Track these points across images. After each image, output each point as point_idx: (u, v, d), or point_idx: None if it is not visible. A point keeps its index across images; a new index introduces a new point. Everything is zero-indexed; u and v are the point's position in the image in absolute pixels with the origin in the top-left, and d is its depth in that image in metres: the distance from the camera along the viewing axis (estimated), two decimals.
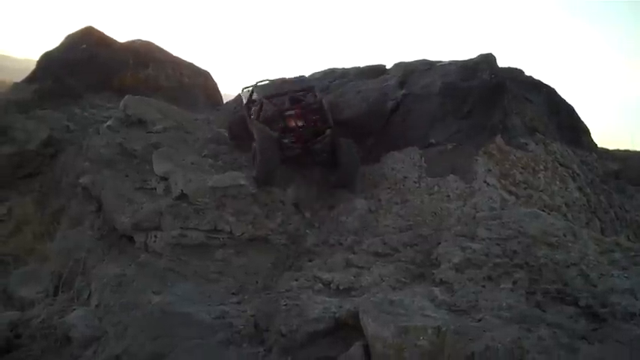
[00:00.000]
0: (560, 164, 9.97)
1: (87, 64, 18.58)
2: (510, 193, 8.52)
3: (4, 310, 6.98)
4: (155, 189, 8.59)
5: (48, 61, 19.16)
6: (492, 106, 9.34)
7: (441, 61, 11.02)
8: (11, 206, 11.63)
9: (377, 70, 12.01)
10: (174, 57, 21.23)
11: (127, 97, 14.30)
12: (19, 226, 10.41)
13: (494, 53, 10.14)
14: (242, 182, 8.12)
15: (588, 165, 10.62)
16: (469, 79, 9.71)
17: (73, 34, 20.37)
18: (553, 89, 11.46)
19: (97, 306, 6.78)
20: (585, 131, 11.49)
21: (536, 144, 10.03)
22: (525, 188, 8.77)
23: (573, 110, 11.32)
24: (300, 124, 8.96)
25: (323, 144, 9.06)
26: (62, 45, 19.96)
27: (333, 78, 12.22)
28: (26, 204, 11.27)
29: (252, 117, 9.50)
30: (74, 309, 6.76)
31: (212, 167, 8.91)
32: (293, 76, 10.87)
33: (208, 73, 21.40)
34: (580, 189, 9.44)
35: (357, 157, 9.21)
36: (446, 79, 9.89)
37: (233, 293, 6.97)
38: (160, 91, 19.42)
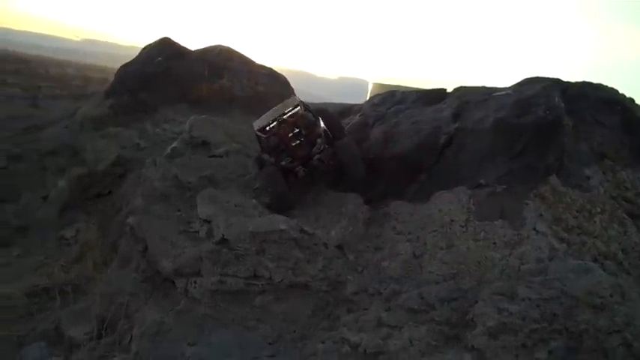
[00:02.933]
0: (625, 199, 9.49)
1: (162, 77, 19.42)
2: (561, 240, 8.20)
3: (52, 351, 7.51)
4: (198, 232, 8.89)
5: (124, 74, 20.16)
6: (547, 145, 8.98)
7: (498, 90, 10.70)
8: (79, 228, 12.44)
9: (437, 96, 11.77)
10: (252, 63, 21.72)
11: (192, 117, 14.79)
12: (82, 251, 11.03)
13: (562, 77, 9.70)
14: (282, 227, 8.23)
15: None
16: (523, 115, 9.37)
17: (149, 45, 21.32)
18: (630, 106, 10.65)
19: (135, 354, 7.04)
20: None
21: (604, 173, 9.58)
22: (579, 234, 8.41)
23: None
24: (293, 143, 9.14)
25: (321, 154, 9.16)
26: (138, 58, 20.93)
27: (392, 103, 12.12)
28: (91, 228, 12.00)
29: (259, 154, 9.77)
30: (114, 355, 7.10)
31: (256, 209, 9.10)
32: (283, 102, 10.77)
33: (286, 80, 21.76)
34: None
35: (357, 152, 9.34)
36: (498, 114, 9.60)
37: (269, 343, 7.19)
38: (235, 102, 20.02)
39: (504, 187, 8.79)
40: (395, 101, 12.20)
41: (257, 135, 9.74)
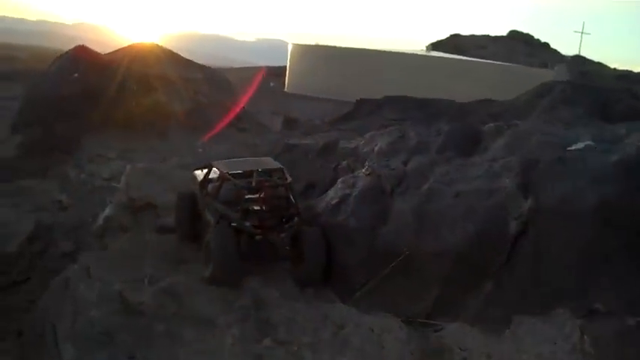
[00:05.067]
0: None
1: (81, 99, 15.39)
2: None
3: None
4: None
5: (34, 99, 15.94)
6: None
7: (570, 136, 7.54)
8: None
9: (468, 133, 8.60)
10: (189, 64, 18.07)
11: (128, 170, 11.32)
12: None
13: None
14: None
15: None
16: None
17: (62, 56, 16.99)
18: None
19: None
20: None
21: None
22: None
23: None
24: (264, 207, 8.22)
25: (287, 233, 8.19)
26: (50, 74, 16.64)
27: (408, 152, 8.77)
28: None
29: (207, 196, 8.71)
30: None
31: None
32: (258, 158, 10.05)
33: (229, 84, 18.30)
34: None
35: (324, 249, 8.14)
36: (602, 189, 6.37)
37: None
38: (173, 119, 16.27)
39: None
40: (411, 148, 8.87)
41: (223, 176, 8.61)
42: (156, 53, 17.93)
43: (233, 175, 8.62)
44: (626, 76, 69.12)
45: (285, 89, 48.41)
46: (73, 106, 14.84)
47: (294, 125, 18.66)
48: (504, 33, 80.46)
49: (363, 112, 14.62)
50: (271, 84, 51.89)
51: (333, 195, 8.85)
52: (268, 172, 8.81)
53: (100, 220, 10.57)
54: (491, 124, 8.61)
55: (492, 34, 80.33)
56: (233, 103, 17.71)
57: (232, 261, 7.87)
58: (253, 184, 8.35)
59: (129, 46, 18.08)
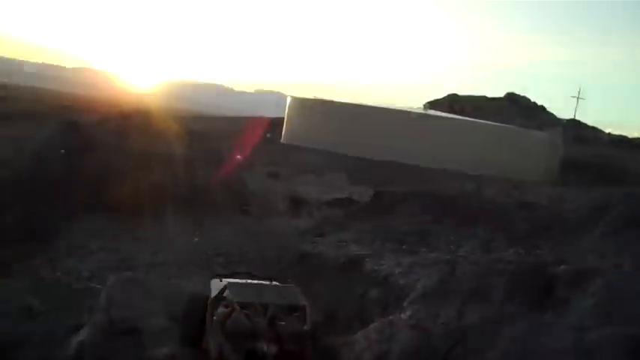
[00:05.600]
0: None
1: (66, 179, 13.72)
2: None
3: None
4: None
5: (10, 175, 14.17)
6: None
7: None
8: None
9: (541, 280, 6.89)
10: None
11: (111, 281, 9.93)
12: None
13: None
14: None
15: None
16: None
17: (49, 129, 15.41)
18: None
19: None
20: None
21: None
22: None
23: None
24: (272, 350, 6.97)
25: None
26: (32, 146, 15.00)
27: (462, 298, 7.04)
28: None
29: (214, 321, 7.50)
30: None
31: None
32: (282, 286, 8.28)
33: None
34: None
35: None
36: None
37: None
38: (169, 202, 14.57)
39: None
40: (466, 290, 7.12)
41: (233, 306, 7.35)
42: (156, 125, 16.41)
43: (246, 305, 7.43)
44: (621, 141, 69.28)
45: (282, 140, 48.44)
46: (55, 186, 13.07)
47: (301, 207, 17.06)
48: (501, 95, 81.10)
49: (382, 206, 13.06)
50: (268, 135, 51.63)
51: (364, 345, 7.08)
52: (288, 309, 7.41)
53: (72, 348, 8.68)
54: (567, 267, 6.95)
55: (489, 95, 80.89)
56: (237, 183, 16.11)
57: None
58: (266, 322, 7.04)
59: (125, 112, 16.64)
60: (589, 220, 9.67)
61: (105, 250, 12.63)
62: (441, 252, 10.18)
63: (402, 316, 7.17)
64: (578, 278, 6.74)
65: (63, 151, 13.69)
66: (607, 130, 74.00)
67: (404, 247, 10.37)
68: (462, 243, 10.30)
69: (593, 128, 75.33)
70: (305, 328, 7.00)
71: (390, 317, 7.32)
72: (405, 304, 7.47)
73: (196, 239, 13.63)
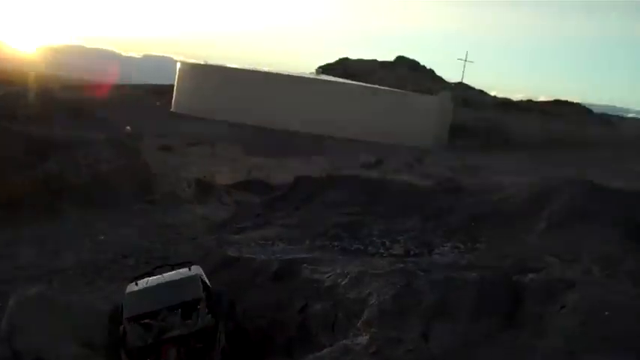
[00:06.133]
0: None
1: None
2: None
3: None
4: None
5: None
6: None
7: None
8: None
9: (507, 292, 6.29)
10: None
11: (11, 302, 8.42)
12: None
13: None
14: None
15: None
16: None
17: None
18: None
19: None
20: None
21: None
22: None
23: None
24: (173, 354, 6.94)
25: None
26: None
27: (425, 315, 6.29)
28: None
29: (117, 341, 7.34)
30: None
31: None
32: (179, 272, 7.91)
33: (134, 147, 15.07)
34: None
35: None
36: None
37: None
38: (69, 195, 12.90)
39: None
40: (427, 307, 6.39)
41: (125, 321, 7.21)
42: (46, 100, 14.30)
43: (141, 315, 7.31)
44: (505, 103, 72.74)
45: (172, 109, 46.34)
46: None
47: (209, 192, 15.71)
48: (392, 58, 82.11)
49: (303, 194, 12.09)
50: (157, 103, 48.64)
51: None
52: (184, 306, 7.24)
53: None
54: (535, 277, 6.40)
55: (380, 58, 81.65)
56: (141, 167, 14.44)
57: None
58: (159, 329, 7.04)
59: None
60: (528, 210, 9.30)
61: None
62: (373, 247, 9.47)
63: (359, 340, 6.33)
64: (549, 290, 6.21)
65: None
66: (492, 93, 77.23)
67: (336, 245, 9.53)
68: (396, 238, 9.60)
69: (480, 91, 78.21)
70: (200, 324, 6.95)
71: (344, 341, 6.46)
72: (358, 324, 6.63)
73: (102, 237, 12.03)
